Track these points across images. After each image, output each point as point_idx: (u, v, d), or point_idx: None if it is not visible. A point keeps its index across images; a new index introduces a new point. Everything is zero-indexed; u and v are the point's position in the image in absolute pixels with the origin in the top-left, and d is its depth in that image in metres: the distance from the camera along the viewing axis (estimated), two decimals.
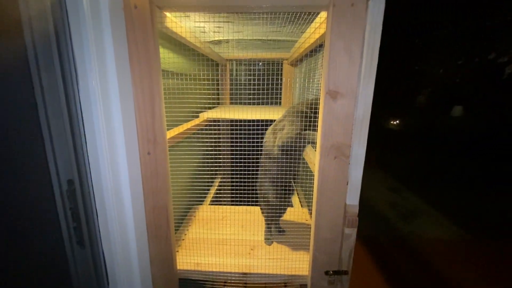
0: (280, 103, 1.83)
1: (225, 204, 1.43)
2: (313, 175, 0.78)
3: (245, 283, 1.25)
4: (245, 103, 1.81)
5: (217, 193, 1.63)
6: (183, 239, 1.01)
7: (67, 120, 0.60)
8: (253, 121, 0.99)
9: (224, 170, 1.85)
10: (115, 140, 0.64)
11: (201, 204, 1.33)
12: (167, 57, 0.94)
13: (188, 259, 0.88)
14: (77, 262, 0.65)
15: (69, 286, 0.66)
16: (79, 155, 0.61)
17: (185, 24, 0.91)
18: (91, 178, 0.62)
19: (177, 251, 0.92)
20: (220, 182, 1.76)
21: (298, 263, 0.87)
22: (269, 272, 0.85)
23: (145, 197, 0.74)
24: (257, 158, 0.98)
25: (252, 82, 1.18)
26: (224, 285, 1.42)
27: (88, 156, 0.62)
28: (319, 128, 0.68)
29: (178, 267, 0.85)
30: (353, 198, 0.72)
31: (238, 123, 1.03)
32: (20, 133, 0.54)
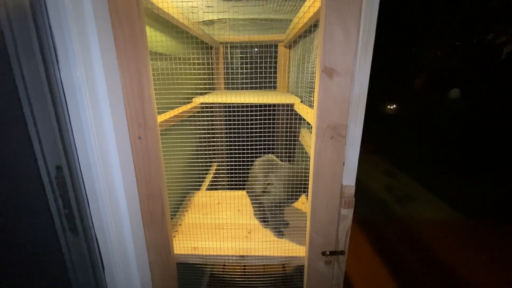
0: (275, 87, 1.80)
1: (222, 189, 1.43)
2: (309, 157, 0.76)
3: (244, 266, 1.27)
4: (240, 88, 1.77)
5: (214, 179, 1.62)
6: (180, 225, 1.00)
7: (51, 105, 0.57)
8: (248, 105, 0.97)
9: (221, 156, 1.83)
10: (103, 124, 0.61)
11: (197, 190, 1.33)
12: (154, 36, 0.90)
13: (185, 244, 0.88)
14: (71, 249, 0.64)
15: (64, 273, 0.65)
16: (65, 140, 0.59)
17: (174, 3, 0.87)
18: (79, 163, 0.60)
19: (174, 237, 0.92)
20: (217, 168, 1.76)
21: (295, 245, 0.88)
22: (267, 254, 0.86)
23: (138, 183, 0.72)
24: (253, 144, 0.96)
25: (247, 66, 1.14)
26: (224, 268, 1.44)
27: (74, 141, 0.59)
28: (315, 108, 0.66)
29: (176, 252, 0.85)
30: (349, 179, 0.71)
31: (233, 108, 1.02)
32: (1, 120, 0.52)
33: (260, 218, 1.03)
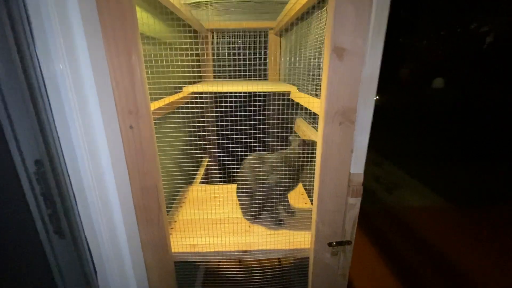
0: (265, 77, 1.74)
1: (215, 183, 1.37)
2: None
3: (240, 261, 1.23)
4: (229, 78, 1.70)
5: (206, 173, 1.56)
6: (175, 221, 0.94)
7: (26, 91, 0.49)
8: (241, 96, 0.91)
9: (212, 149, 1.77)
10: (89, 112, 0.54)
11: (190, 184, 1.26)
12: (141, 16, 0.81)
13: (183, 241, 0.83)
14: (57, 253, 0.57)
15: (51, 282, 0.58)
16: (45, 131, 0.51)
17: None
18: (63, 157, 0.53)
19: (171, 234, 0.86)
20: (209, 161, 1.69)
21: (299, 237, 0.85)
22: (270, 248, 0.82)
23: (131, 177, 0.66)
24: (244, 135, 0.90)
25: (236, 55, 1.08)
26: (219, 264, 1.40)
27: (57, 132, 0.52)
28: (323, 93, 0.62)
29: (173, 250, 0.79)
30: (358, 167, 0.68)
31: (224, 99, 0.97)
32: None
33: (251, 215, 0.96)
